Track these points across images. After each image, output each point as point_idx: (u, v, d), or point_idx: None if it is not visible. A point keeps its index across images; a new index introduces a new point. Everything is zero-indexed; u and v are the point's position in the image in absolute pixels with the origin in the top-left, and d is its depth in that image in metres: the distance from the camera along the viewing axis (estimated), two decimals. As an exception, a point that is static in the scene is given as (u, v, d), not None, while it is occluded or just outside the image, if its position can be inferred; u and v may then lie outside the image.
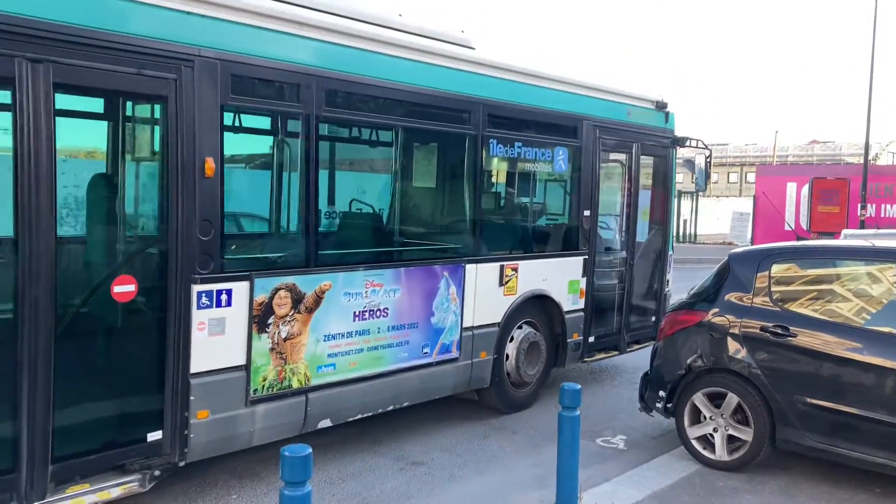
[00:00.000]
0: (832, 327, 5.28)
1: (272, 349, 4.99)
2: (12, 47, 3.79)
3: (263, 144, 5.51)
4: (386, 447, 6.05)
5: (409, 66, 5.85)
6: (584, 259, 7.56)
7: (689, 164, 9.35)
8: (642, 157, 8.37)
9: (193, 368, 4.58)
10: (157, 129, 4.65)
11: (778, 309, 5.53)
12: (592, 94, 7.68)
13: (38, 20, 3.84)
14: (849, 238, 10.33)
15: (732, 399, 5.55)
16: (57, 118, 3.99)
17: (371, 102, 5.73)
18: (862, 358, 5.07)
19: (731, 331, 5.60)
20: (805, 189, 24.62)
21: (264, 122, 5.54)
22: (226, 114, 4.77)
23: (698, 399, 5.73)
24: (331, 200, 5.99)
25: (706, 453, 5.68)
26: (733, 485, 5.31)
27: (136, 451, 4.46)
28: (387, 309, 5.72)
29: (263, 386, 4.96)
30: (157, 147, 4.64)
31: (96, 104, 4.59)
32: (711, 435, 5.67)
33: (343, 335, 5.44)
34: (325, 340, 5.32)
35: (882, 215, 24.48)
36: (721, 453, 5.60)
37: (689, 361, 5.76)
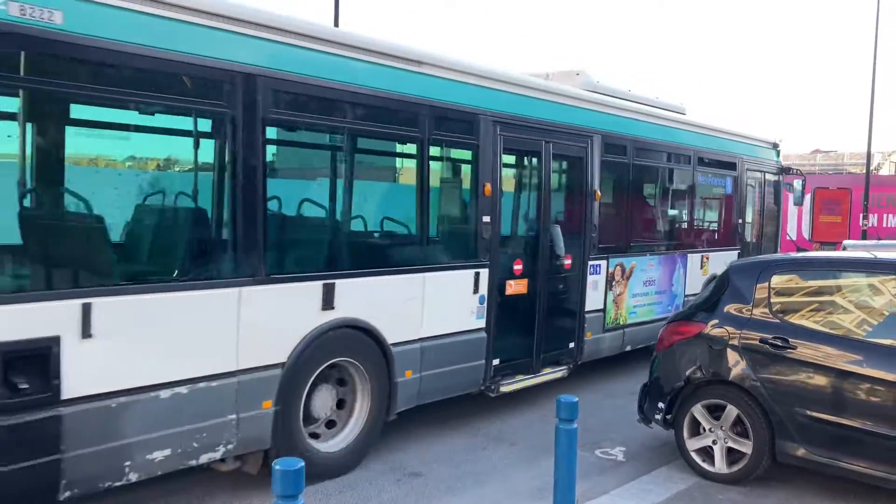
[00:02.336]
0: (833, 339, 5.25)
1: (613, 300, 8.55)
2: (538, 135, 7.39)
3: (619, 183, 9.02)
4: (383, 457, 6.02)
5: (662, 129, 9.48)
6: (738, 252, 11.12)
7: (789, 185, 12.79)
8: (764, 180, 12.11)
9: (585, 308, 8.14)
10: (579, 175, 8.15)
11: (778, 321, 5.49)
12: (743, 140, 11.46)
13: (550, 122, 7.52)
14: (850, 249, 10.31)
15: (732, 411, 5.51)
16: (553, 174, 7.78)
17: (638, 152, 9.00)
18: (863, 370, 5.03)
19: (730, 342, 5.57)
20: (807, 198, 24.59)
21: (614, 168, 8.74)
22: (604, 163, 8.35)
23: (697, 411, 5.69)
24: (637, 214, 9.43)
25: (705, 466, 5.64)
26: (732, 498, 5.27)
27: (564, 352, 7.97)
28: (654, 280, 9.31)
29: (609, 322, 8.53)
30: (578, 185, 8.20)
31: (555, 164, 8.02)
32: (711, 447, 5.64)
33: (639, 295, 9.02)
34: (632, 297, 8.89)
35: (884, 225, 24.43)
36: (720, 466, 5.56)
37: (688, 373, 5.73)
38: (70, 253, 4.33)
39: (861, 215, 22.16)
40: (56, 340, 4.02)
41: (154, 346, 4.43)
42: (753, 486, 5.46)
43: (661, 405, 5.90)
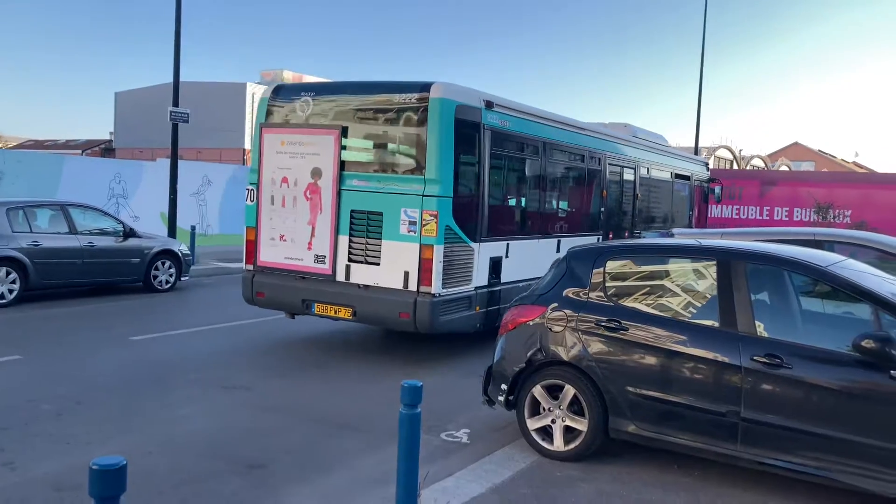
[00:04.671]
0: (661, 321, 5.56)
1: None
2: (621, 163, 13.45)
3: (644, 190, 14.69)
4: (222, 450, 5.79)
5: (661, 157, 15.48)
6: None
7: (713, 190, 19.12)
8: (702, 187, 18.43)
9: None
10: (632, 185, 14.07)
11: (612, 304, 5.76)
12: (693, 161, 18.14)
13: (623, 156, 13.60)
14: (678, 236, 11.02)
15: (569, 391, 5.73)
16: (625, 185, 13.79)
17: (650, 171, 14.85)
18: (687, 350, 5.36)
19: (568, 325, 5.78)
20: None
21: (643, 182, 14.59)
22: (640, 178, 14.45)
23: (537, 391, 5.88)
24: (651, 207, 15.15)
25: (545, 444, 5.83)
26: (570, 474, 5.48)
27: None
28: None
29: None
30: (632, 190, 14.04)
31: (624, 179, 13.81)
32: (550, 426, 5.83)
33: None
34: None
35: (709, 216, 26.42)
36: (559, 444, 5.77)
37: (529, 355, 5.90)
38: (504, 222, 9.90)
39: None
40: (500, 258, 9.52)
41: (522, 263, 9.85)
42: (589, 461, 5.71)
43: (503, 387, 6.05)
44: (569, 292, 5.93)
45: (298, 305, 9.25)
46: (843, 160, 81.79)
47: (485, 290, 9.25)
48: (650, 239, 10.49)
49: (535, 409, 5.92)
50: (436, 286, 8.34)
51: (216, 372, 8.21)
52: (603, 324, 5.65)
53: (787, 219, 26.85)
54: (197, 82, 44.37)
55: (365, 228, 8.73)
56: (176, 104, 17.28)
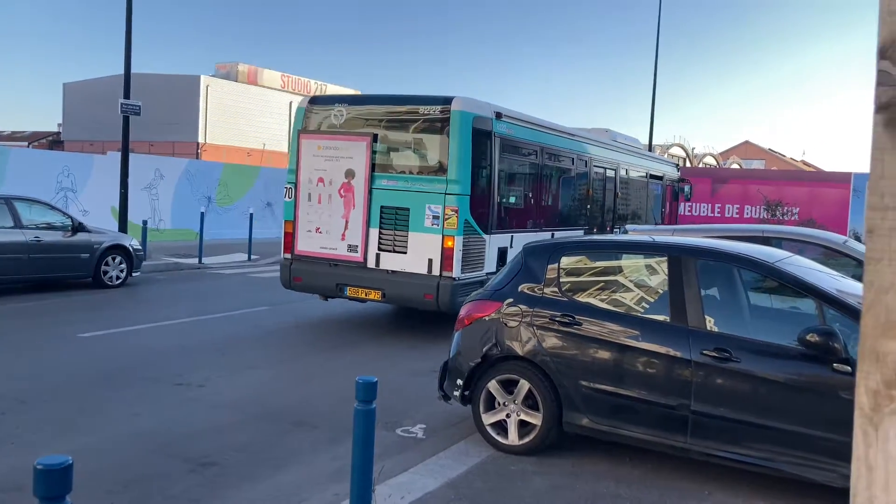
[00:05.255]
0: (614, 316, 5.63)
1: None
2: (604, 165, 14.90)
3: (622, 188, 16.08)
4: (173, 449, 5.70)
5: (637, 159, 17.07)
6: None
7: (682, 189, 20.45)
8: (673, 186, 19.88)
9: None
10: (613, 185, 15.56)
11: (566, 299, 5.81)
12: (665, 162, 20.08)
13: (608, 158, 15.10)
14: (632, 232, 11.19)
15: (524, 385, 5.77)
16: (607, 185, 15.32)
17: (628, 172, 16.33)
18: (639, 344, 5.43)
19: (523, 320, 5.82)
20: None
21: (621, 181, 16.02)
22: (620, 178, 15.98)
23: (493, 386, 5.90)
24: (628, 204, 16.62)
25: (500, 439, 5.86)
26: (524, 468, 5.52)
27: None
28: None
29: None
30: (613, 189, 15.61)
31: (607, 179, 15.36)
32: (505, 421, 5.86)
33: None
34: None
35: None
36: (513, 438, 5.80)
37: (484, 350, 5.92)
38: (509, 217, 11.11)
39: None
40: (506, 248, 10.71)
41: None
42: (543, 455, 5.75)
43: (459, 382, 6.06)
44: (524, 288, 5.97)
45: (332, 288, 10.45)
46: (791, 159, 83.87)
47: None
48: (606, 236, 10.70)
49: (491, 404, 5.94)
50: (456, 271, 9.64)
51: (168, 369, 8.08)
52: (557, 319, 5.70)
53: (737, 216, 27.41)
54: (149, 74, 43.53)
55: (393, 222, 9.99)
56: (127, 96, 16.92)
